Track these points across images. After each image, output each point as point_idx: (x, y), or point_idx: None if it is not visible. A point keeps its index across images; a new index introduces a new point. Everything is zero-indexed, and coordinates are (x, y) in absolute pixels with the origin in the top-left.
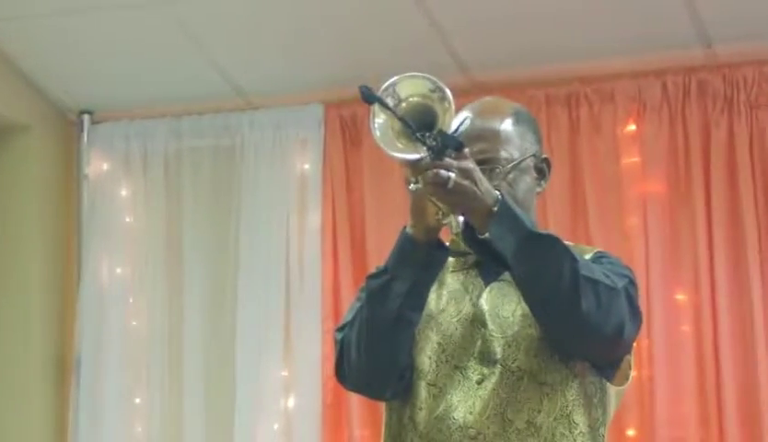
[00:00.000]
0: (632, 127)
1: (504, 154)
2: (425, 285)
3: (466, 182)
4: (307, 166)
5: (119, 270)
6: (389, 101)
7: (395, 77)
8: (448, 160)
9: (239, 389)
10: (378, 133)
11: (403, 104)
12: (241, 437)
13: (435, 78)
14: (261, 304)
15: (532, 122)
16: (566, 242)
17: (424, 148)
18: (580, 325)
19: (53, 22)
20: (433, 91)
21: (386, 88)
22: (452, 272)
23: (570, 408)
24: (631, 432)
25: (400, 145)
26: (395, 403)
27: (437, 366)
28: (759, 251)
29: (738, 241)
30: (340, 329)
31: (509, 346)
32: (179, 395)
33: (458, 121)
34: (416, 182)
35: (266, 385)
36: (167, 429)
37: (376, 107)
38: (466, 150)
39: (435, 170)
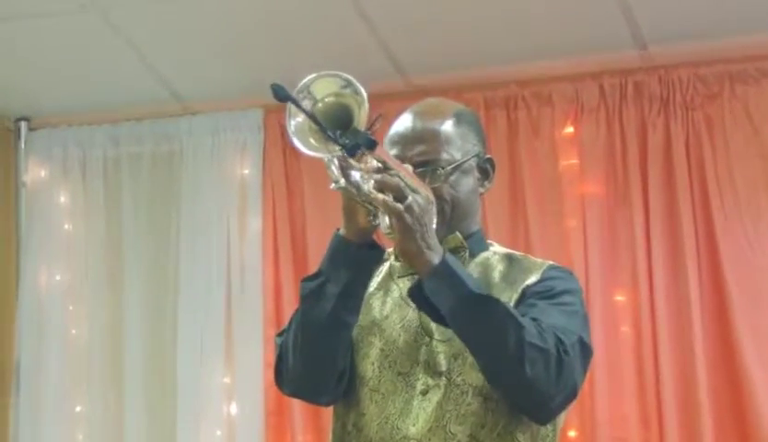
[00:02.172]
0: (570, 129)
1: (445, 155)
2: (360, 286)
3: (416, 224)
4: (246, 171)
5: (58, 277)
6: (307, 103)
7: (307, 78)
8: (410, 185)
9: (181, 396)
10: (293, 132)
11: (319, 104)
12: None
13: (345, 74)
14: (202, 310)
15: (475, 122)
16: (517, 253)
17: (337, 147)
18: (525, 392)
19: None
20: (345, 87)
21: (300, 90)
22: (399, 277)
23: (514, 425)
24: (572, 433)
25: (314, 144)
26: (340, 410)
27: (380, 371)
28: (696, 252)
29: (675, 242)
30: (280, 334)
31: (455, 359)
32: (120, 402)
33: (394, 126)
34: (338, 182)
35: (208, 391)
36: (108, 437)
37: (291, 107)
38: (382, 148)
39: (387, 179)
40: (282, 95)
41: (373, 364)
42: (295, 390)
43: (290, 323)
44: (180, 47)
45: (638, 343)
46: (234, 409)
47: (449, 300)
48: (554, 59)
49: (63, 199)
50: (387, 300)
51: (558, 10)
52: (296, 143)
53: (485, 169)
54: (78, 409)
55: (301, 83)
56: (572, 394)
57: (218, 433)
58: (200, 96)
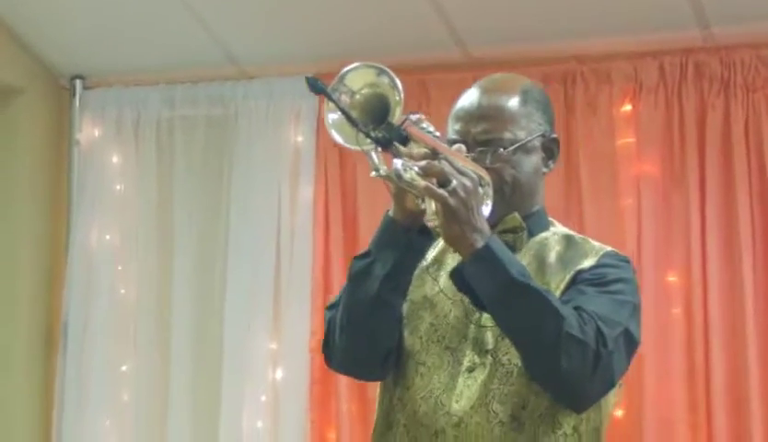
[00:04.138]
0: (628, 107)
1: (508, 134)
2: (406, 269)
3: (461, 207)
4: (300, 138)
5: (108, 237)
6: (344, 97)
7: (343, 70)
8: (458, 168)
9: (227, 360)
10: (331, 125)
11: (357, 96)
12: (228, 408)
13: (378, 64)
14: (250, 275)
15: (542, 99)
16: (577, 235)
17: (370, 141)
18: (560, 384)
19: None
20: (379, 75)
21: (336, 83)
22: (454, 252)
23: (556, 408)
24: (618, 412)
25: (351, 136)
26: (388, 383)
27: (428, 345)
28: (752, 235)
29: (730, 225)
30: (329, 307)
31: (502, 338)
32: (166, 364)
33: (459, 102)
34: (378, 171)
35: (254, 356)
36: (153, 398)
37: (328, 101)
38: (414, 134)
39: (432, 164)
40: (317, 88)
41: (421, 337)
42: (342, 367)
43: (339, 299)
44: (238, 10)
45: (689, 325)
46: (279, 375)
47: (489, 286)
48: (615, 36)
49: (115, 159)
50: (440, 275)
51: None
52: (334, 135)
53: (550, 149)
54: (124, 368)
55: (337, 76)
56: (608, 387)
57: (263, 398)
58: (256, 60)
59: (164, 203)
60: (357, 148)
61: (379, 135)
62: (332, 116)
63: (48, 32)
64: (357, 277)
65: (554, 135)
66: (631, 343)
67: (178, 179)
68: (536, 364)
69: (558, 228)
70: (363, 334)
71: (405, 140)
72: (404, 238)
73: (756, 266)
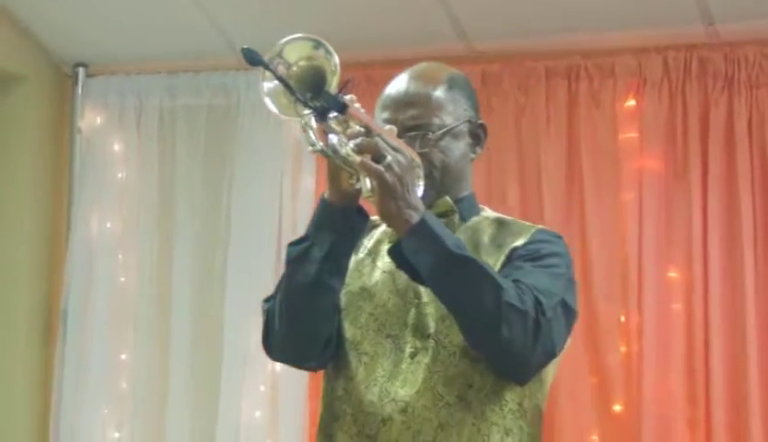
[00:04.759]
0: (631, 102)
1: (436, 120)
2: (344, 250)
3: (396, 183)
4: None
5: (109, 225)
6: (281, 68)
7: (280, 42)
8: (392, 146)
9: (227, 350)
10: (267, 95)
11: (294, 68)
12: (227, 397)
13: (316, 37)
14: (251, 264)
15: (467, 87)
16: (507, 217)
17: (307, 111)
18: (502, 353)
19: None
20: (316, 48)
21: (273, 54)
22: (389, 242)
23: (501, 384)
24: (617, 407)
25: (287, 107)
26: (330, 374)
27: (369, 335)
28: (753, 232)
29: (732, 221)
30: (267, 300)
31: (443, 321)
32: (165, 353)
33: (386, 90)
34: (314, 146)
35: (254, 346)
36: (152, 386)
37: (264, 71)
38: (350, 109)
39: (367, 140)
40: (253, 59)
41: (362, 327)
42: (281, 355)
43: (277, 289)
44: (241, 1)
45: (689, 321)
46: (278, 365)
47: (427, 259)
48: (619, 31)
49: (117, 147)
50: (377, 265)
51: None
52: (269, 105)
53: (477, 135)
54: (123, 357)
55: (274, 47)
56: (550, 356)
57: (262, 388)
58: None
59: (165, 192)
60: (293, 119)
61: (317, 104)
62: (267, 85)
63: (51, 20)
64: (296, 262)
65: (481, 121)
66: (569, 313)
67: (179, 168)
68: (477, 335)
69: (489, 212)
70: (303, 319)
71: (343, 108)
72: (341, 220)
73: (757, 263)
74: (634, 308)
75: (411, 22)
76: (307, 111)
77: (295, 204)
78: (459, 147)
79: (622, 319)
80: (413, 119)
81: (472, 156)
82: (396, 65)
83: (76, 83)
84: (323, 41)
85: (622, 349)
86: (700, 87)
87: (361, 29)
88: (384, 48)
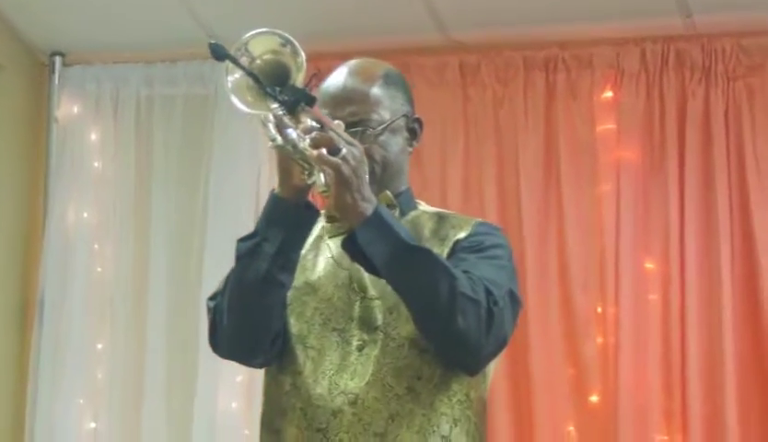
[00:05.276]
0: (609, 94)
1: (375, 116)
2: (295, 246)
3: (352, 176)
4: None
5: (85, 214)
6: (244, 60)
7: (246, 35)
8: (345, 140)
9: (203, 340)
10: (231, 89)
11: (257, 61)
12: (203, 388)
13: (284, 33)
14: (228, 256)
15: (403, 82)
16: (446, 211)
17: (275, 103)
18: (457, 343)
19: None
20: (284, 45)
21: (239, 47)
22: (330, 237)
23: (449, 375)
24: (594, 398)
25: (251, 101)
26: (274, 370)
27: (315, 329)
28: (730, 224)
29: (709, 213)
30: (212, 297)
31: (390, 313)
32: (141, 343)
33: (327, 82)
34: (274, 140)
35: None
36: (128, 377)
37: (229, 64)
38: (316, 107)
39: (322, 134)
40: (220, 53)
41: (308, 322)
42: (229, 352)
43: (224, 285)
44: None
45: (666, 312)
46: None
47: (383, 251)
48: (597, 22)
49: (93, 136)
50: (318, 260)
51: None
52: (234, 100)
53: (413, 129)
54: (100, 347)
55: (239, 40)
56: (502, 345)
57: (238, 379)
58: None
59: (142, 181)
60: (258, 113)
61: (286, 98)
62: (231, 79)
63: (28, 9)
64: (246, 257)
65: (417, 116)
66: (515, 303)
67: (156, 157)
68: (432, 325)
69: (426, 207)
70: (253, 314)
71: (312, 101)
72: (292, 215)
73: (734, 254)
74: (610, 299)
75: (389, 12)
76: (275, 105)
77: None
78: (397, 142)
79: (599, 309)
80: (353, 115)
81: (409, 150)
82: (374, 56)
83: (53, 72)
84: (290, 38)
85: (599, 340)
86: (677, 79)
87: (338, 19)
88: (362, 38)
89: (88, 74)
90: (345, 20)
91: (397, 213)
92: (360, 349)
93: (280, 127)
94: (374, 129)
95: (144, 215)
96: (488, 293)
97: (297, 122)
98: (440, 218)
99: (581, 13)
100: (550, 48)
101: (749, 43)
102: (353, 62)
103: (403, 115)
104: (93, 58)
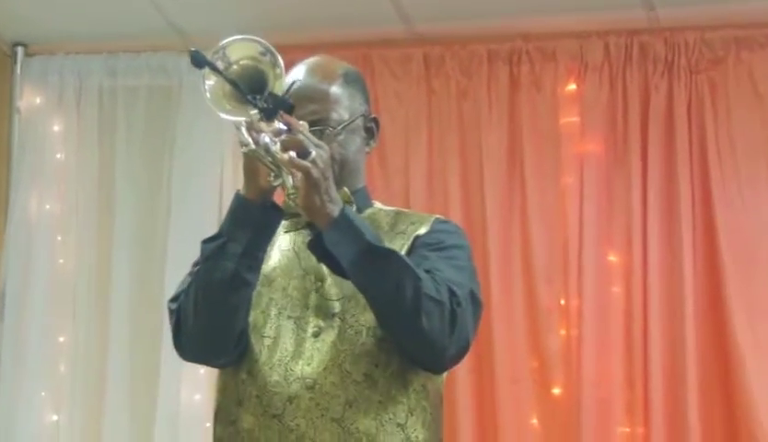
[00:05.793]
0: (572, 87)
1: (334, 115)
2: (260, 247)
3: (320, 178)
4: None
5: (48, 206)
6: (220, 64)
7: (225, 40)
8: (313, 142)
9: (166, 333)
10: (208, 96)
11: (234, 67)
12: (167, 380)
13: (264, 42)
14: (191, 248)
15: (361, 81)
16: (403, 209)
17: (255, 110)
18: (421, 343)
19: None
20: (263, 54)
21: (216, 51)
22: (285, 232)
23: (407, 364)
24: (556, 390)
25: (229, 107)
26: (229, 367)
27: (270, 318)
28: (692, 217)
29: (671, 206)
30: (173, 300)
31: (348, 301)
32: (104, 336)
33: (288, 81)
34: (248, 146)
35: None
36: (91, 369)
37: (206, 70)
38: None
39: (292, 137)
40: (200, 61)
41: (263, 312)
42: (194, 354)
43: (187, 287)
44: None
45: (628, 304)
46: None
47: (349, 252)
48: (561, 15)
49: (56, 128)
50: (274, 253)
51: None
52: (212, 106)
53: (371, 129)
54: (62, 339)
55: (219, 44)
56: (465, 346)
57: (201, 371)
58: (201, 31)
59: (105, 172)
60: (235, 119)
61: (264, 105)
62: (208, 84)
63: None
64: (211, 258)
65: (374, 116)
66: (477, 304)
67: (119, 148)
68: (397, 326)
69: (381, 205)
70: (220, 315)
71: (291, 109)
72: (258, 216)
73: (696, 247)
74: (574, 292)
75: (354, 4)
76: (254, 111)
77: (236, 186)
78: (355, 142)
79: (563, 302)
80: (313, 113)
81: (367, 149)
82: (339, 47)
83: (15, 62)
84: (270, 47)
85: (562, 332)
86: (640, 72)
87: (302, 11)
88: (326, 30)
89: (51, 64)
90: (310, 12)
91: (354, 210)
92: (316, 335)
93: (252, 131)
94: (333, 128)
95: (107, 207)
96: (451, 294)
97: (267, 126)
98: (397, 214)
99: (545, 6)
100: (514, 41)
101: (711, 37)
102: (312, 60)
103: (362, 115)
104: (56, 49)
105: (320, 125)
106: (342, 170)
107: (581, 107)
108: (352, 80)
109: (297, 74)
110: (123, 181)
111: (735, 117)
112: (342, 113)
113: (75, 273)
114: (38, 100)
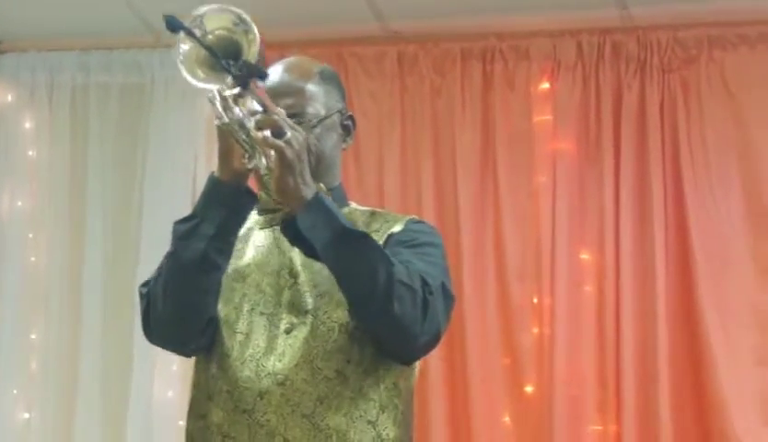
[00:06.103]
0: (545, 85)
1: (310, 110)
2: (232, 230)
3: (295, 159)
4: None
5: (20, 203)
6: (197, 32)
7: (200, 9)
8: (289, 124)
9: (138, 329)
10: (182, 61)
11: (209, 36)
12: (139, 377)
13: (239, 11)
14: (164, 246)
15: (337, 80)
16: (378, 209)
17: (229, 77)
18: (393, 329)
19: None
20: (237, 24)
21: (193, 20)
22: (260, 229)
23: (378, 362)
24: (529, 388)
25: (203, 75)
26: (203, 358)
27: (243, 314)
28: (664, 216)
29: (644, 204)
30: (144, 284)
31: (321, 298)
32: (76, 333)
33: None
34: (221, 119)
35: None
36: (62, 367)
37: (181, 36)
38: (262, 89)
39: (267, 117)
40: (175, 25)
41: (236, 308)
42: (162, 338)
43: (158, 272)
44: None
45: (601, 303)
46: None
47: (323, 235)
48: (534, 13)
49: (28, 125)
50: (248, 250)
51: None
52: (184, 73)
53: (347, 126)
54: (33, 337)
55: (194, 13)
56: (436, 335)
57: (174, 368)
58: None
59: (77, 169)
60: (209, 87)
61: (239, 72)
62: (182, 50)
63: None
64: (183, 238)
65: (350, 113)
66: (448, 297)
67: (92, 145)
68: (368, 310)
69: (356, 205)
70: (189, 297)
71: (265, 76)
72: (231, 198)
73: (668, 246)
74: (546, 290)
75: (327, 2)
76: (228, 78)
77: None
78: (332, 137)
79: (535, 300)
80: (289, 107)
81: (343, 146)
82: (312, 45)
83: None
84: (244, 15)
85: (535, 330)
86: (613, 71)
87: (276, 8)
88: (300, 27)
89: (23, 61)
90: (283, 9)
91: None
92: (288, 331)
93: (226, 107)
94: (309, 122)
95: (79, 204)
96: (424, 282)
97: (243, 106)
98: (373, 214)
99: (518, 4)
100: (487, 39)
101: (684, 36)
102: (288, 59)
103: (338, 111)
104: (28, 45)
105: (295, 119)
106: (318, 165)
107: (554, 105)
108: (328, 77)
109: (274, 72)
110: (96, 179)
111: (707, 116)
112: (318, 108)
113: (47, 271)
114: (9, 97)
